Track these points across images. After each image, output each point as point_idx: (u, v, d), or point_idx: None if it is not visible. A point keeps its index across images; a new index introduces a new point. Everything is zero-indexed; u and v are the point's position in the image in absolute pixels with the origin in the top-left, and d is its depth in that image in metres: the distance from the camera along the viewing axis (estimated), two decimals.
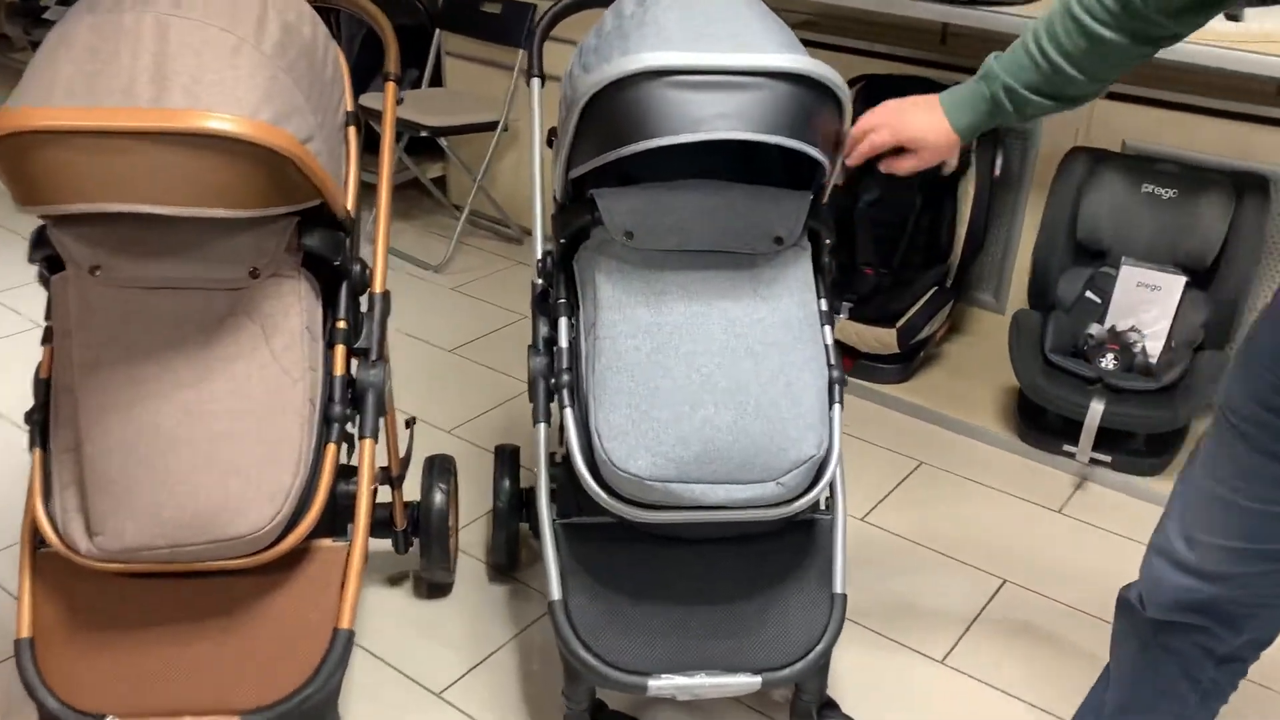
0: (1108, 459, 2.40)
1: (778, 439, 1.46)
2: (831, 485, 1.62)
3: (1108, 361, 2.42)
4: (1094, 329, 2.49)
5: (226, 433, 1.39)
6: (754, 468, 1.45)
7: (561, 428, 1.57)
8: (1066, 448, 2.42)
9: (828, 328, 1.62)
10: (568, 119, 1.48)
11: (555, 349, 1.62)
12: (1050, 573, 2.16)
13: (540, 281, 1.75)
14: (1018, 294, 2.87)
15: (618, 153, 1.42)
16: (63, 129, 1.23)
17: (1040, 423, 2.50)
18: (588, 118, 1.45)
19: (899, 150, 1.48)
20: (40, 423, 1.47)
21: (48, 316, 1.51)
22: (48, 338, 1.50)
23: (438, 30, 3.59)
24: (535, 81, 1.89)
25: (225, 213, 1.33)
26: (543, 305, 1.72)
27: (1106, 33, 1.28)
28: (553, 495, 1.63)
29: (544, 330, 1.68)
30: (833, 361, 1.60)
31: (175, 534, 1.36)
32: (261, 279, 1.45)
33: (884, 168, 1.51)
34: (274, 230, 1.45)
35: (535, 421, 1.64)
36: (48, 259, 1.47)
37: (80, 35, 1.33)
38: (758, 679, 1.50)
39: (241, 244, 1.43)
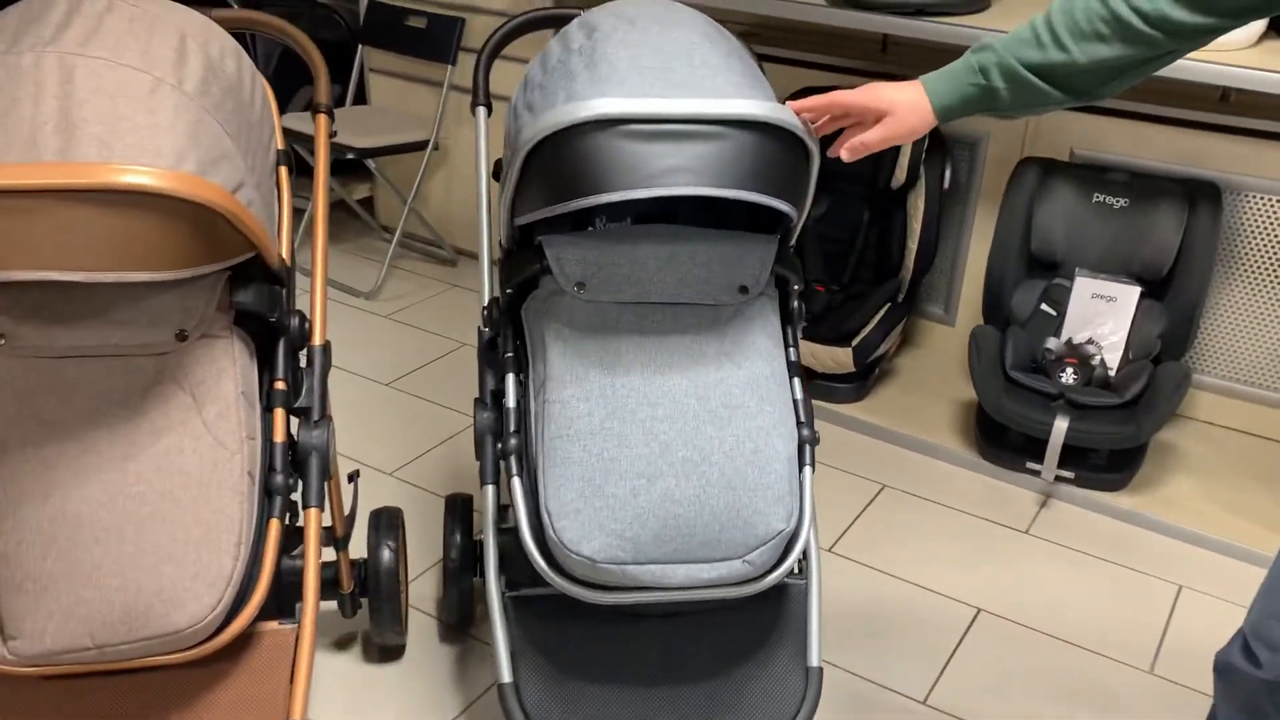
0: (1071, 475, 2.36)
1: (744, 513, 1.35)
2: (805, 549, 1.50)
3: (1067, 376, 2.39)
4: (1051, 343, 2.45)
5: (157, 516, 1.25)
6: (719, 545, 1.34)
7: (510, 496, 1.45)
8: (1030, 465, 2.38)
9: (797, 380, 1.53)
10: (512, 162, 1.37)
11: (503, 407, 1.50)
12: (1025, 599, 2.10)
13: (487, 330, 1.63)
14: (967, 306, 2.84)
15: (565, 206, 1.31)
16: None
17: (1002, 440, 2.45)
18: (533, 165, 1.34)
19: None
20: None
21: None
22: None
23: (360, 46, 3.44)
24: (480, 110, 1.76)
25: (147, 276, 1.19)
26: (490, 356, 1.60)
27: (1135, 20, 1.18)
28: (502, 564, 1.51)
29: (491, 384, 1.57)
30: (803, 419, 1.49)
31: (103, 633, 1.22)
32: (190, 341, 1.32)
33: (846, 148, 1.34)
34: (202, 288, 1.31)
35: (483, 483, 1.53)
36: None
37: None
38: None
39: (166, 305, 1.29)
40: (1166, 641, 2.01)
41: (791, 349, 1.53)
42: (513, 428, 1.47)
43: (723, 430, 1.37)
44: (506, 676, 1.43)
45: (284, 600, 1.42)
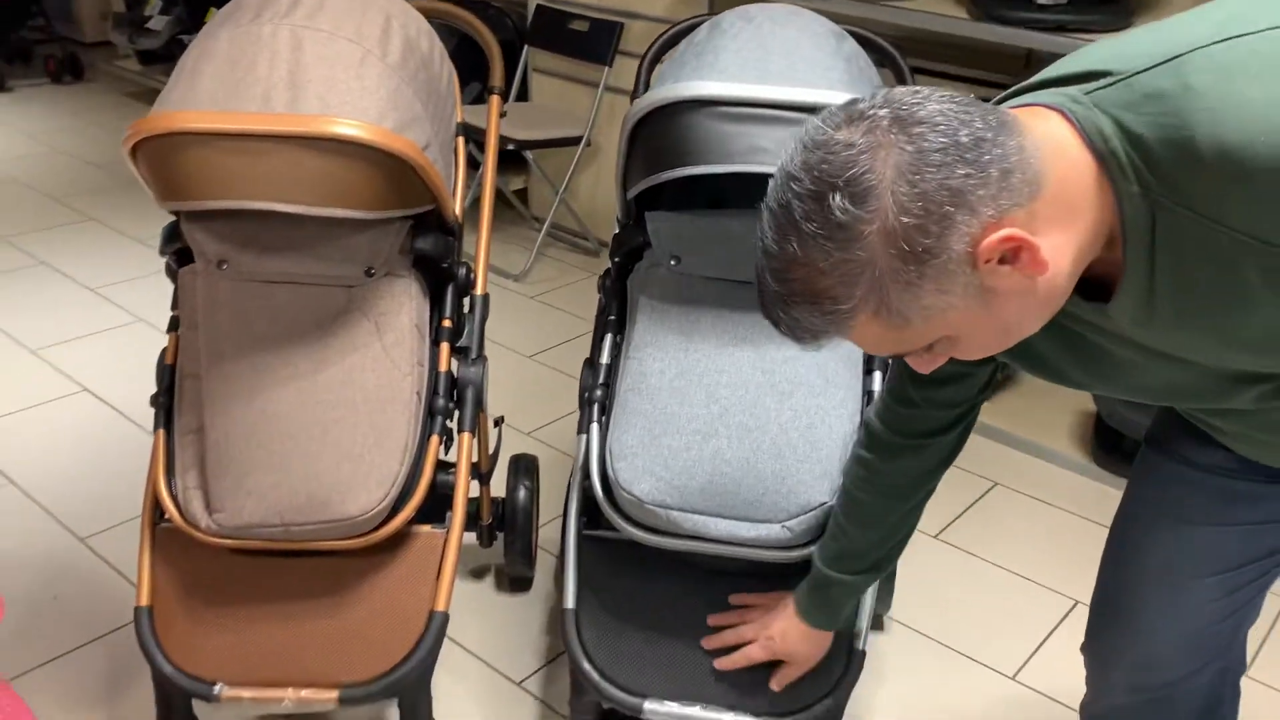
0: None
1: (789, 481, 1.43)
2: None
3: None
4: None
5: (339, 420, 1.47)
6: (760, 507, 1.43)
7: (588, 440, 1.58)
8: None
9: (877, 373, 1.59)
10: (621, 137, 1.53)
11: (597, 364, 1.65)
12: None
13: (601, 298, 1.81)
14: None
15: (658, 177, 1.46)
16: (207, 131, 1.33)
17: (1116, 448, 2.50)
18: (637, 140, 1.49)
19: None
20: (165, 406, 1.56)
21: (174, 307, 1.61)
22: (173, 326, 1.60)
23: (525, 46, 3.70)
24: None
25: (347, 213, 1.42)
26: (601, 321, 1.77)
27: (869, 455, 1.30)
28: (586, 506, 1.63)
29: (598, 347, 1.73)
30: None
31: (290, 514, 1.44)
32: (376, 278, 1.54)
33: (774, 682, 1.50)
34: (389, 232, 1.53)
35: (579, 431, 1.67)
36: (177, 253, 1.57)
37: (220, 47, 1.43)
38: None
39: (359, 244, 1.52)
40: (1264, 650, 2.04)
41: None
42: (601, 381, 1.62)
43: (782, 403, 1.47)
44: (570, 603, 1.55)
45: (436, 510, 1.62)
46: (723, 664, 1.50)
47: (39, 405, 2.66)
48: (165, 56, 5.09)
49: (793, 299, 0.86)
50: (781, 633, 1.47)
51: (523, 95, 3.79)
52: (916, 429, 1.26)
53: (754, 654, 1.49)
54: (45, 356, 2.87)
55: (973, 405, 1.26)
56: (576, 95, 3.62)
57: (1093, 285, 0.93)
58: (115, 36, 5.18)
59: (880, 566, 1.39)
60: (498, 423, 2.05)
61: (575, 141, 3.46)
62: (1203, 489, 1.17)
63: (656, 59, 1.94)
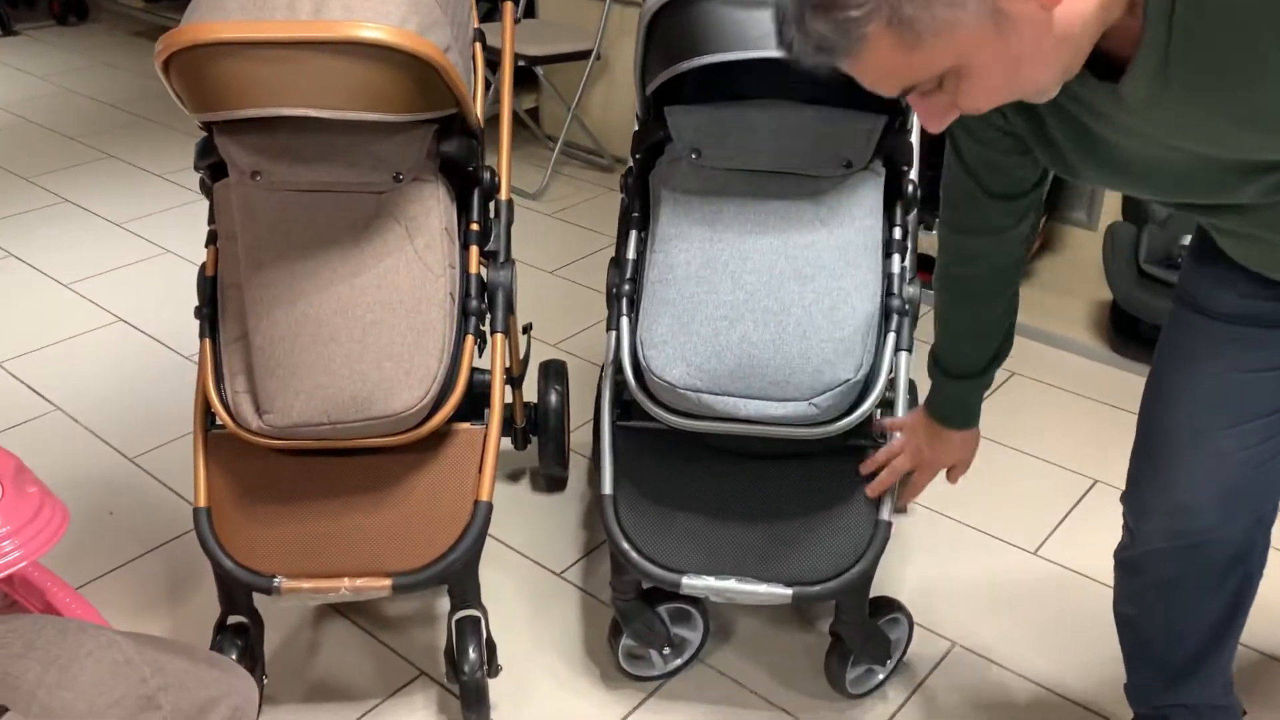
0: None
1: (814, 360, 1.47)
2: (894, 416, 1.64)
3: None
4: (1187, 240, 2.51)
5: (378, 322, 1.53)
6: (788, 386, 1.47)
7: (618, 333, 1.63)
8: None
9: (896, 256, 1.62)
10: (638, 33, 1.55)
11: (623, 260, 1.69)
12: None
13: (624, 197, 1.84)
14: (1109, 211, 2.89)
15: (677, 68, 1.48)
16: (237, 40, 1.37)
17: (1134, 333, 2.54)
18: (652, 36, 1.52)
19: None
20: (210, 316, 1.62)
21: (211, 221, 1.66)
22: (211, 239, 1.65)
23: None
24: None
25: (377, 116, 1.45)
26: (625, 219, 1.81)
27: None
28: (618, 400, 1.68)
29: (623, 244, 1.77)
30: (894, 290, 1.60)
31: (336, 411, 1.50)
32: (404, 183, 1.58)
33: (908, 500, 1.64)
34: (415, 137, 1.57)
35: (608, 328, 1.69)
36: (211, 167, 1.62)
37: None
38: (789, 591, 1.52)
39: (387, 150, 1.56)
40: None
41: (897, 228, 1.65)
42: (628, 275, 1.66)
43: (804, 287, 1.51)
44: (608, 489, 1.61)
45: (474, 409, 1.69)
46: (873, 489, 1.57)
47: (78, 336, 2.73)
48: None
49: (807, 10, 0.87)
50: (927, 440, 1.54)
51: (530, 12, 3.77)
52: (980, 225, 1.31)
53: (901, 465, 1.56)
54: (79, 290, 2.94)
55: (1028, 205, 1.29)
56: (584, 9, 3.60)
57: (1106, 65, 0.95)
58: None
59: (999, 359, 1.45)
60: (526, 329, 2.10)
61: (585, 55, 3.46)
62: (1226, 337, 1.22)
63: None
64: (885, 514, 1.59)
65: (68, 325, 2.78)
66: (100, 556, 2.01)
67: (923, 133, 1.77)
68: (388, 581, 1.55)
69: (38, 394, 2.49)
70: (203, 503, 1.60)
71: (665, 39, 1.50)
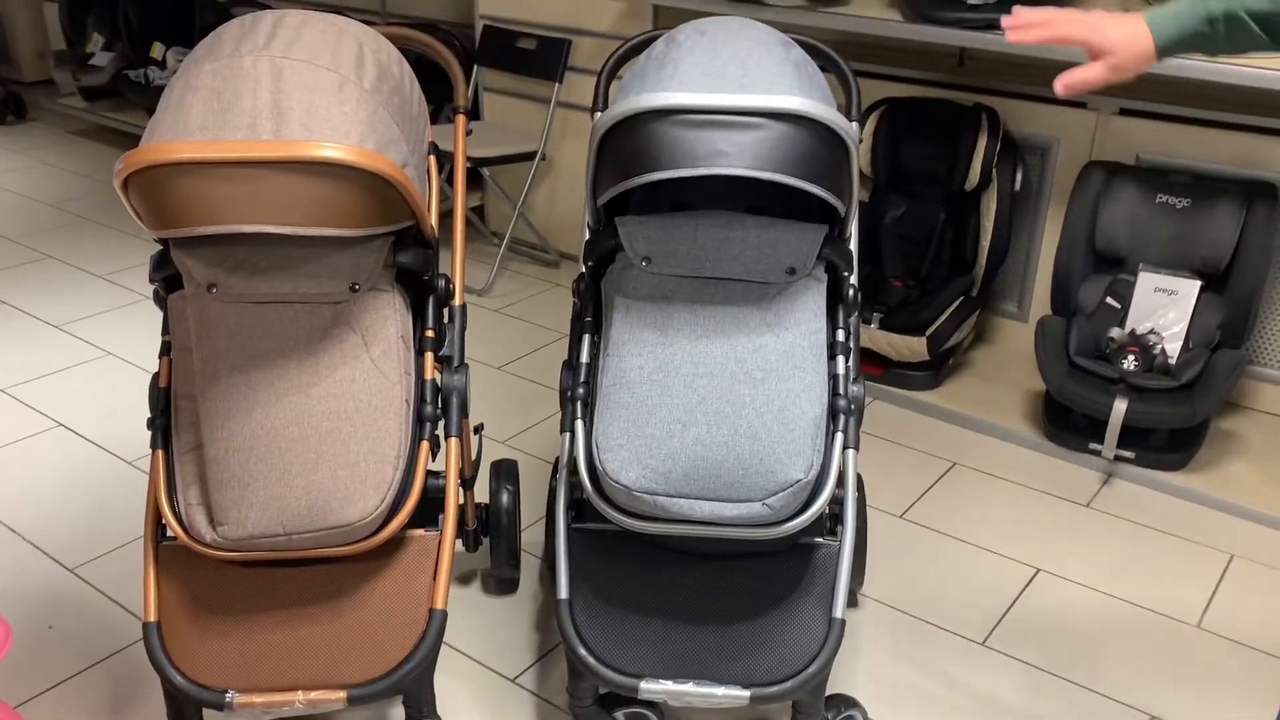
0: (1131, 455, 2.52)
1: (766, 461, 1.52)
2: (842, 513, 1.68)
3: (1129, 363, 2.55)
4: (1115, 333, 2.62)
5: (334, 431, 1.54)
6: (741, 487, 1.52)
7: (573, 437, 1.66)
8: (1092, 446, 2.55)
9: (840, 358, 1.68)
10: (590, 148, 1.62)
11: (576, 364, 1.73)
12: (1084, 561, 2.28)
13: (576, 301, 1.87)
14: (1039, 303, 3.01)
15: (629, 183, 1.54)
16: (198, 160, 1.39)
17: (1066, 423, 2.63)
18: (606, 150, 1.58)
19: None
20: (163, 427, 1.62)
21: (164, 332, 1.66)
22: (165, 351, 1.66)
23: (475, 66, 3.78)
24: (598, 115, 2.02)
25: (336, 232, 1.48)
26: (576, 323, 1.85)
27: None
28: (572, 502, 1.71)
29: (576, 348, 1.80)
30: (840, 391, 1.66)
31: (291, 522, 1.50)
32: (361, 293, 1.60)
33: (1065, 85, 1.37)
34: (372, 249, 1.60)
35: (561, 430, 1.73)
36: (166, 279, 1.63)
37: (204, 80, 1.49)
38: (746, 693, 1.55)
39: (344, 262, 1.58)
40: (1215, 602, 2.17)
41: (840, 330, 1.71)
42: (582, 378, 1.70)
43: (755, 390, 1.56)
44: (564, 594, 1.63)
45: (427, 515, 1.69)
46: (1021, 36, 1.39)
47: (14, 443, 2.68)
48: (110, 92, 5.08)
49: None
50: (1110, 21, 1.36)
51: (474, 114, 3.86)
52: None
53: (1070, 30, 1.37)
54: (16, 394, 2.89)
55: None
56: (528, 112, 3.70)
57: None
58: (58, 74, 5.17)
59: (1272, 33, 1.29)
60: (478, 429, 2.12)
61: (530, 157, 3.54)
62: None
63: (614, 73, 2.03)
64: (838, 611, 1.62)
65: (4, 431, 2.72)
66: (40, 673, 1.96)
67: (859, 237, 1.85)
68: (343, 694, 1.54)
69: None
70: (153, 617, 1.58)
71: (617, 154, 1.56)
